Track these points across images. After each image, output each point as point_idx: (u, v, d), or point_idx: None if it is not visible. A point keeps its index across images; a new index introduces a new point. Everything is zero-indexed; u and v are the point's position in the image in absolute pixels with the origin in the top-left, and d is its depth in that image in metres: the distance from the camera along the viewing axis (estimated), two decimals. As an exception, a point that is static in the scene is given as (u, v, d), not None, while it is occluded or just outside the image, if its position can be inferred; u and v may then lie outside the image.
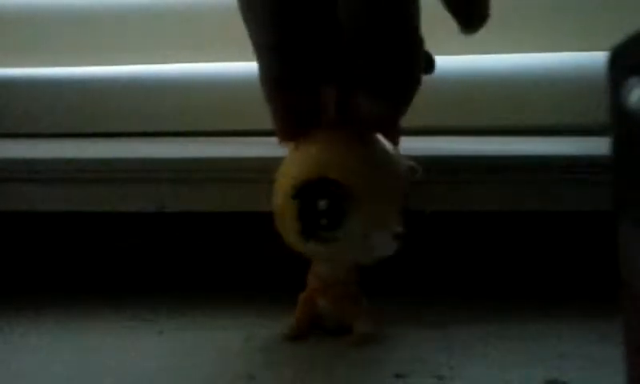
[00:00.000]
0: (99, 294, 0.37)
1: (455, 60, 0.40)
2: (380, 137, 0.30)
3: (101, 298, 0.37)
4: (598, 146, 0.34)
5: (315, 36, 0.27)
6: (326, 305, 0.31)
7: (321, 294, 0.31)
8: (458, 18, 0.29)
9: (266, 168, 0.35)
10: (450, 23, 0.29)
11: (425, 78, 0.28)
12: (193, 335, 0.33)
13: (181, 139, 0.41)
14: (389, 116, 0.28)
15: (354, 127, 0.28)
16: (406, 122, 0.29)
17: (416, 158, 0.30)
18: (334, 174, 0.28)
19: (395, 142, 0.30)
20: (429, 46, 0.28)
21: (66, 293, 0.38)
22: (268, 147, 0.36)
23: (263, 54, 0.28)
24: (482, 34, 0.30)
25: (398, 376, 0.28)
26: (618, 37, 0.18)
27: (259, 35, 0.28)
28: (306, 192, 0.28)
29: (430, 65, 0.30)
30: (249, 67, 0.42)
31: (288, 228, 0.29)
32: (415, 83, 0.27)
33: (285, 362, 0.30)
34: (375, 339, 0.31)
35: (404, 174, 0.30)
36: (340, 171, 0.28)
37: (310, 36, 0.27)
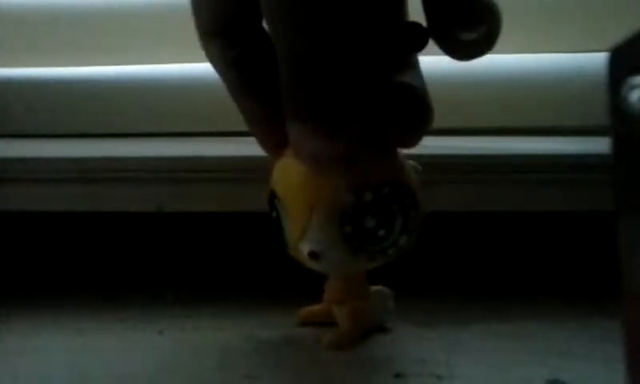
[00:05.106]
0: (99, 294, 0.37)
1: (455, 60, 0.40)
2: None
3: (100, 298, 0.37)
4: (598, 145, 0.34)
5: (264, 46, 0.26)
6: (334, 307, 0.31)
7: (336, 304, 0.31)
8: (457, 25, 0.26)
9: (266, 168, 0.35)
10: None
11: (426, 78, 0.28)
12: (193, 335, 0.33)
13: (181, 139, 0.41)
14: (322, 152, 0.25)
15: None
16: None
17: (416, 158, 0.30)
18: (276, 186, 0.28)
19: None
20: (429, 45, 0.28)
21: (65, 293, 0.38)
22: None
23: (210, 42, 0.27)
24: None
25: (397, 376, 0.28)
26: (618, 37, 0.18)
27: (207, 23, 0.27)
28: (269, 203, 0.29)
29: (419, 39, 0.26)
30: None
31: None
32: (358, 116, 0.24)
33: (285, 361, 0.30)
34: (343, 346, 0.31)
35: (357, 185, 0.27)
36: (277, 184, 0.28)
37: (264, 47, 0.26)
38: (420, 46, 0.27)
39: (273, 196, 0.28)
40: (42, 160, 0.36)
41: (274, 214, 0.29)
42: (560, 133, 0.39)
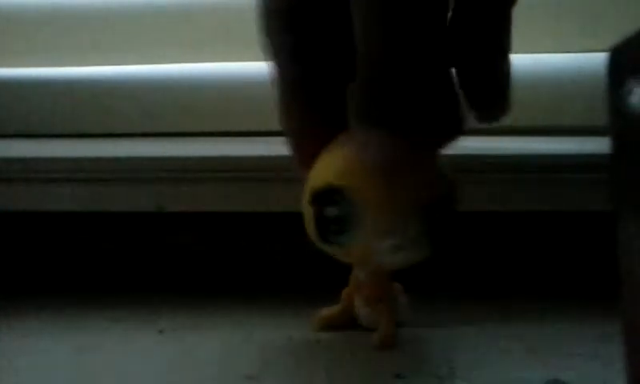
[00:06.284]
0: (99, 294, 0.37)
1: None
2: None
3: (100, 298, 0.37)
4: (598, 145, 0.34)
5: (331, 39, 0.26)
6: (360, 305, 0.32)
7: (357, 293, 0.32)
8: (477, 106, 0.27)
9: (266, 168, 0.35)
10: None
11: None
12: (193, 335, 0.33)
13: (181, 139, 0.41)
14: (386, 160, 0.26)
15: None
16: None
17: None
18: (341, 182, 0.28)
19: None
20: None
21: (65, 293, 0.38)
22: (268, 147, 0.36)
23: (281, 56, 0.27)
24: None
25: (397, 376, 0.28)
26: (618, 37, 0.18)
27: (276, 38, 0.27)
28: (318, 199, 0.28)
29: None
30: (249, 67, 0.42)
31: (309, 229, 0.29)
32: (428, 127, 0.25)
33: (285, 362, 0.30)
34: (393, 342, 0.31)
35: (430, 183, 0.28)
36: (346, 180, 0.28)
37: (327, 38, 0.26)
38: None
39: (332, 191, 0.28)
40: (41, 160, 0.36)
41: (333, 212, 0.28)
42: (560, 133, 0.39)
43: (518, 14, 0.40)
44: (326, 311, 0.33)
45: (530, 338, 0.31)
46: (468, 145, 0.36)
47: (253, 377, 0.28)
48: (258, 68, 0.41)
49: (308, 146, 0.28)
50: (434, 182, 0.28)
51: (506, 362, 0.29)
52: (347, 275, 0.32)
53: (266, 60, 0.28)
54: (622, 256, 0.19)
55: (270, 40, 0.27)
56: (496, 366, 0.29)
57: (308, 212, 0.29)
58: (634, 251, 0.19)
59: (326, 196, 0.28)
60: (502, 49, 0.25)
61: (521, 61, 0.41)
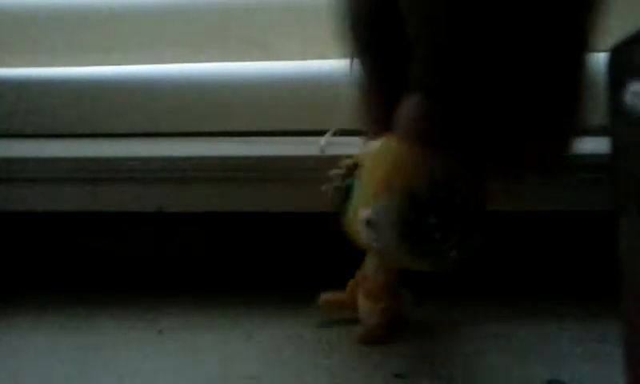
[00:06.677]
0: (99, 294, 0.37)
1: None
2: None
3: (101, 298, 0.37)
4: (598, 146, 0.34)
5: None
6: (361, 297, 0.32)
7: (360, 285, 0.32)
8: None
9: (266, 168, 0.35)
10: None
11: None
12: (193, 335, 0.33)
13: (181, 139, 0.41)
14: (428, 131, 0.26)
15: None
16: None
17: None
18: (364, 158, 0.28)
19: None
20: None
21: (65, 293, 0.38)
22: (268, 147, 0.36)
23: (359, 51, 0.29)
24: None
25: (397, 376, 0.28)
26: (618, 37, 0.18)
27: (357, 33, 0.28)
28: (346, 175, 0.29)
29: None
30: (249, 67, 0.42)
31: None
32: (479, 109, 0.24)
33: (285, 362, 0.30)
34: (378, 340, 0.31)
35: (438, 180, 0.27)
36: (366, 156, 0.28)
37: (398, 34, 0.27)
38: None
39: (354, 167, 0.28)
40: (41, 160, 0.36)
41: (346, 184, 0.29)
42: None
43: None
44: (331, 295, 0.33)
45: (530, 338, 0.31)
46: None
47: (253, 377, 0.28)
48: (258, 68, 0.41)
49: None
50: (438, 178, 0.27)
51: (505, 362, 0.29)
52: (347, 275, 0.32)
53: (343, 57, 0.29)
54: (622, 256, 0.20)
55: (352, 36, 0.29)
56: (496, 366, 0.29)
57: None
58: (635, 251, 0.19)
59: (349, 172, 0.29)
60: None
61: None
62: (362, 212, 0.27)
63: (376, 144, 0.28)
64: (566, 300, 0.35)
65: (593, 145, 0.35)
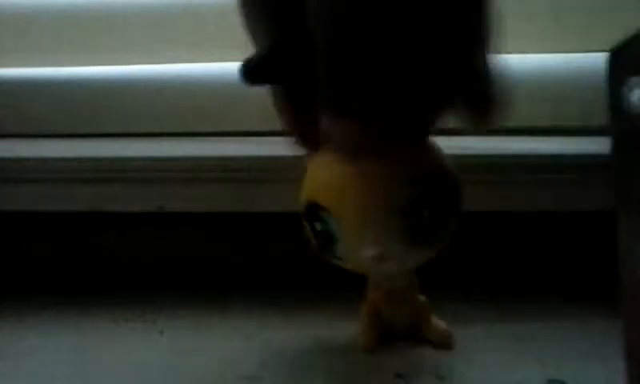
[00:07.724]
0: (99, 294, 0.37)
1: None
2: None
3: (101, 298, 0.37)
4: (598, 146, 0.34)
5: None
6: (390, 312, 0.31)
7: (383, 302, 0.31)
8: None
9: (265, 168, 0.35)
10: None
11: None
12: (193, 335, 0.33)
13: (181, 139, 0.41)
14: (355, 136, 0.25)
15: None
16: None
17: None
18: (319, 196, 0.27)
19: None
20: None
21: (65, 293, 0.38)
22: (268, 147, 0.36)
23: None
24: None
25: (397, 376, 0.28)
26: (618, 37, 0.18)
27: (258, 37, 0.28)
28: (307, 214, 0.28)
29: None
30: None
31: (311, 242, 0.29)
32: (393, 98, 0.24)
33: (285, 362, 0.30)
34: (452, 337, 0.31)
35: (407, 177, 0.27)
36: (320, 194, 0.27)
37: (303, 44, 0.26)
38: None
39: (315, 207, 0.27)
40: (41, 160, 0.36)
41: (319, 226, 0.28)
42: (560, 133, 0.39)
43: (519, 14, 0.40)
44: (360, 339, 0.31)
45: (530, 337, 0.31)
46: (468, 145, 0.37)
47: (253, 377, 0.28)
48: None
49: (310, 146, 0.29)
50: (412, 175, 0.26)
51: (506, 362, 0.29)
52: (347, 275, 0.32)
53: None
54: (622, 256, 0.20)
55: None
56: (496, 366, 0.29)
57: (305, 225, 0.29)
58: (635, 251, 0.19)
59: (312, 211, 0.28)
60: (476, 38, 0.26)
61: (521, 61, 0.41)
62: (363, 253, 0.27)
63: (316, 175, 0.28)
64: (566, 300, 0.35)
65: (593, 145, 0.35)
